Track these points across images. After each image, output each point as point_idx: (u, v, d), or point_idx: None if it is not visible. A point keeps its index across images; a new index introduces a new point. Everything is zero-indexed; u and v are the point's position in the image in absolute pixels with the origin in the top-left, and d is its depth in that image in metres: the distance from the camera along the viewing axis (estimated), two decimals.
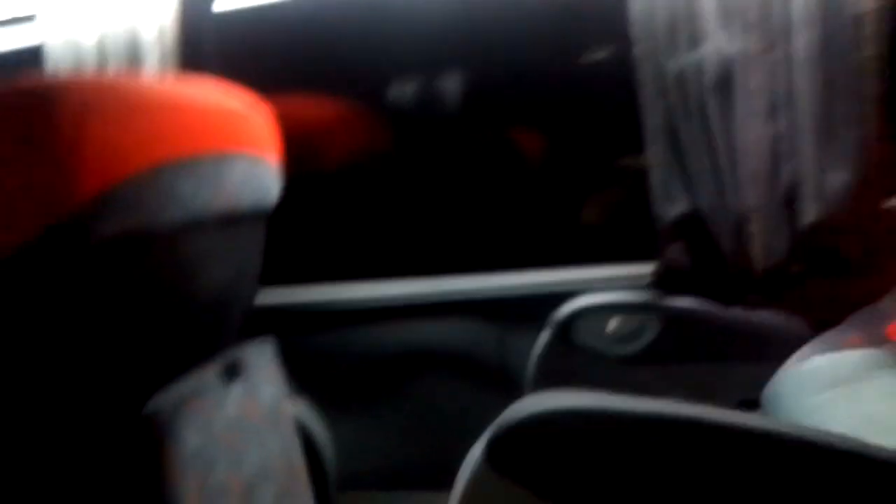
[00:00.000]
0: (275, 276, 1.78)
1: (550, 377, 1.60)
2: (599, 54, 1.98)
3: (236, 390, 1.44)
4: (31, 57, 1.89)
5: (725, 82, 1.43)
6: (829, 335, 1.36)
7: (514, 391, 1.65)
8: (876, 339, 1.26)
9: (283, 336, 1.65)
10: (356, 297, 1.86)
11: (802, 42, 1.38)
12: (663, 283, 1.55)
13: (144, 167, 1.17)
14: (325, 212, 2.15)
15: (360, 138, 2.21)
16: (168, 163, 1.23)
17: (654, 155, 1.50)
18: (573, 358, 1.60)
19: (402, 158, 2.18)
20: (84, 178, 1.07)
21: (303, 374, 1.73)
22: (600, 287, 1.64)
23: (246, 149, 1.47)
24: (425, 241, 2.09)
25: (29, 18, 1.86)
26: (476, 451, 1.29)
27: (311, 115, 2.15)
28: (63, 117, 1.05)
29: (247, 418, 1.45)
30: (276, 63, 2.13)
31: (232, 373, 1.44)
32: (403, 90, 2.21)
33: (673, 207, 1.50)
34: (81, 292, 1.16)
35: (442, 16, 2.02)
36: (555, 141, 2.10)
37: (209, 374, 1.38)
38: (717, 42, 1.41)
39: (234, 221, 1.46)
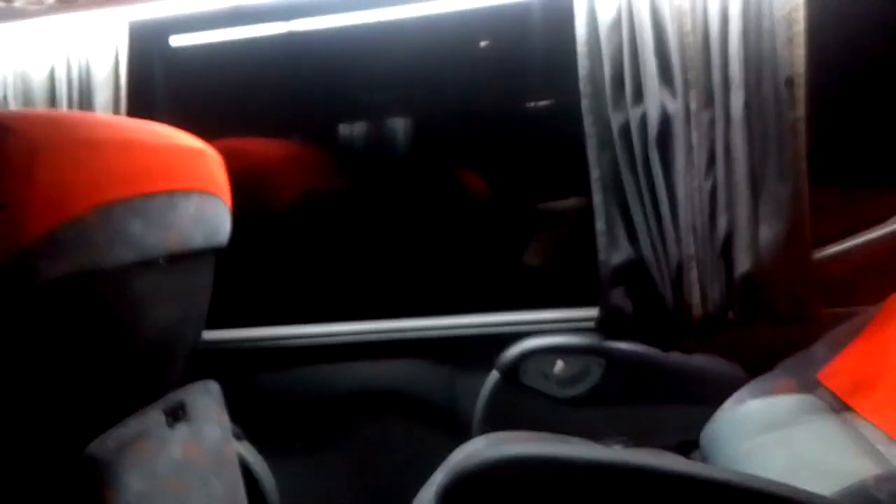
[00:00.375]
0: (221, 316, 1.76)
1: (498, 418, 1.62)
2: (543, 101, 2.06)
3: (180, 432, 1.42)
4: None
5: (666, 136, 1.50)
6: (763, 380, 1.42)
7: (462, 432, 1.67)
8: (807, 385, 1.32)
9: (227, 376, 1.63)
10: (303, 335, 1.85)
11: (737, 101, 1.46)
12: (606, 327, 1.60)
13: (93, 206, 1.16)
14: (272, 252, 2.14)
15: (309, 179, 2.22)
16: (118, 202, 1.22)
17: (598, 204, 1.56)
18: (520, 399, 1.63)
19: (353, 200, 2.20)
20: (32, 218, 1.06)
21: (248, 415, 1.71)
22: (546, 330, 1.68)
23: (197, 186, 1.47)
24: (375, 283, 2.10)
25: None
26: (426, 496, 1.30)
27: (261, 154, 2.15)
28: (12, 155, 1.04)
29: (191, 461, 1.42)
30: (225, 100, 2.13)
31: (176, 415, 1.42)
32: (353, 131, 2.24)
33: (616, 254, 1.56)
34: (24, 332, 1.13)
35: (394, 59, 2.06)
36: (500, 185, 2.15)
37: (153, 415, 1.36)
38: (659, 98, 1.49)
39: (183, 259, 1.44)
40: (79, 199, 1.13)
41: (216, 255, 1.59)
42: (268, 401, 1.84)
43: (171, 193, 1.37)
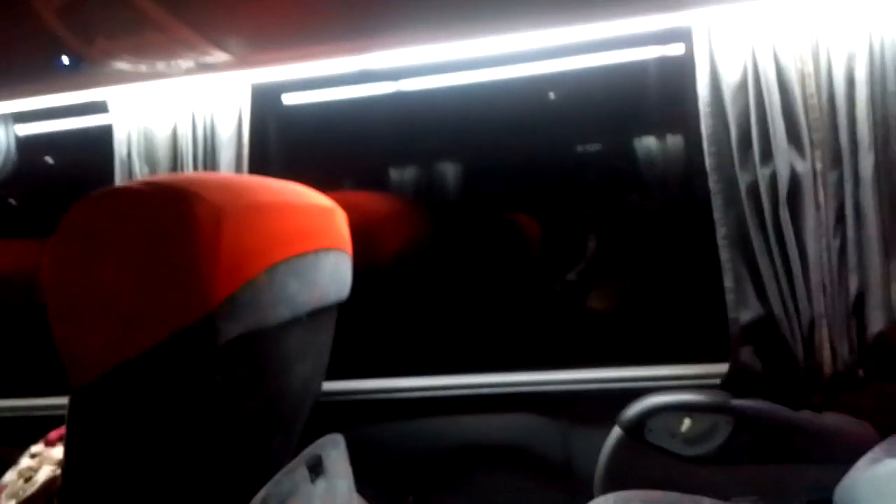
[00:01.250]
0: (335, 369, 1.78)
1: (621, 476, 1.61)
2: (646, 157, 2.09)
3: (319, 488, 1.43)
4: (98, 139, 1.92)
5: (794, 195, 1.51)
6: None
7: (580, 490, 1.66)
8: None
9: (339, 428, 1.64)
10: (413, 387, 1.87)
11: (866, 162, 1.48)
12: (735, 384, 1.59)
13: (264, 268, 1.20)
14: (384, 304, 2.17)
15: (414, 230, 2.27)
16: (281, 263, 1.25)
17: (726, 261, 1.57)
18: (644, 457, 1.62)
19: (464, 251, 2.24)
20: (218, 281, 1.09)
21: (359, 468, 1.71)
22: (668, 386, 1.68)
23: (333, 244, 1.51)
24: (487, 335, 2.11)
25: (102, 105, 1.89)
26: None
27: (369, 207, 2.20)
28: (201, 221, 1.08)
29: None
30: (331, 155, 2.19)
31: (316, 470, 1.43)
32: (459, 184, 2.29)
33: (745, 312, 1.56)
34: (199, 390, 1.15)
35: (504, 116, 2.11)
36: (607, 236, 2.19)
37: (300, 472, 1.37)
38: (787, 158, 1.51)
39: (319, 314, 1.48)
40: (253, 263, 1.17)
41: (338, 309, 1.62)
42: (378, 453, 1.84)
43: (317, 252, 1.41)
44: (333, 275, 1.51)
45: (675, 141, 2.00)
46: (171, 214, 1.06)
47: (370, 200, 2.25)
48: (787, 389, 1.57)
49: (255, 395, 1.30)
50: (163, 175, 1.79)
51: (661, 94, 1.91)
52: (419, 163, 2.23)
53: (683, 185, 1.94)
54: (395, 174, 2.25)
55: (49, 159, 2.22)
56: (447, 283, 2.32)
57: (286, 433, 1.48)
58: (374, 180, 2.24)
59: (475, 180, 2.34)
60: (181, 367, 1.11)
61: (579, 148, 2.29)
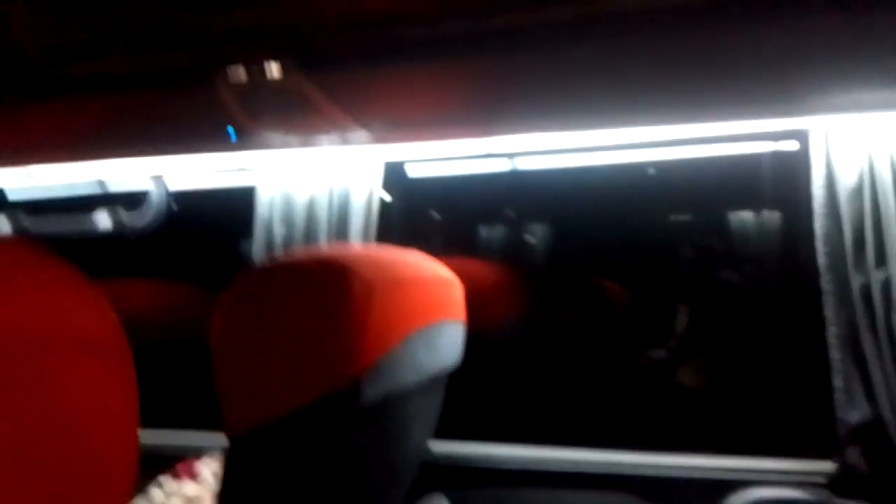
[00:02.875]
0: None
1: None
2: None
3: None
4: (241, 199, 2.12)
5: None
6: None
7: None
8: None
9: (444, 489, 1.72)
10: (515, 457, 1.92)
11: None
12: (840, 485, 1.60)
13: (401, 338, 1.32)
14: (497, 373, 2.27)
15: (518, 298, 2.37)
16: (415, 333, 1.37)
17: (836, 360, 1.60)
18: None
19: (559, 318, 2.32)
20: (365, 350, 1.21)
21: None
22: (770, 480, 1.69)
23: (453, 315, 1.63)
24: (588, 410, 2.18)
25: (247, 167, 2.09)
26: None
27: (479, 277, 2.32)
28: (356, 295, 1.21)
29: None
30: (449, 225, 2.33)
31: None
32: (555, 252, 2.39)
33: (853, 413, 1.58)
34: (336, 448, 1.27)
35: (612, 202, 2.21)
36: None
37: None
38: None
39: (436, 380, 1.59)
40: (393, 333, 1.30)
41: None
42: None
43: (441, 323, 1.53)
44: (452, 344, 1.62)
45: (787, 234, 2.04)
46: (332, 289, 1.20)
47: (482, 269, 2.37)
48: (893, 493, 1.56)
49: (381, 454, 1.41)
50: (321, 249, 1.94)
51: (774, 189, 1.97)
52: (529, 232, 2.35)
53: (792, 280, 1.97)
54: (505, 243, 2.37)
55: (194, 212, 2.45)
56: (541, 351, 2.40)
57: (398, 490, 1.58)
58: (487, 249, 2.36)
59: (576, 250, 2.45)
60: (326, 428, 1.23)
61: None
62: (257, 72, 1.31)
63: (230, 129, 1.71)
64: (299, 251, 1.83)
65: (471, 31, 1.78)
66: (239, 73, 1.33)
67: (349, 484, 1.32)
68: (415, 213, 2.24)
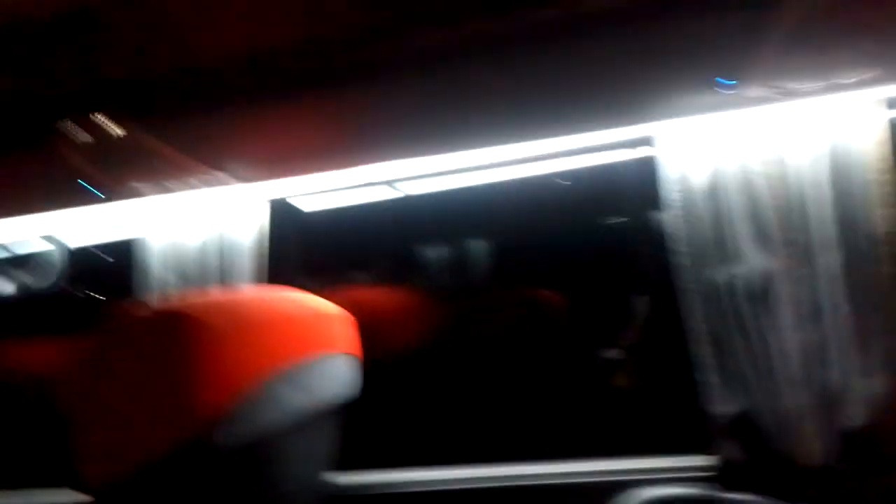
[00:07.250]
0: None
1: None
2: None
3: None
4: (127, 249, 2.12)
5: (762, 293, 1.59)
6: None
7: None
8: None
9: None
10: (415, 481, 1.90)
11: (836, 261, 1.55)
12: (722, 478, 1.63)
13: (263, 379, 1.33)
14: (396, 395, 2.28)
15: (417, 324, 2.40)
16: (278, 375, 1.38)
17: (702, 357, 1.64)
18: None
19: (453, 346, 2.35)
20: (213, 397, 1.22)
21: None
22: (655, 479, 1.71)
23: (335, 348, 1.63)
24: (475, 426, 2.20)
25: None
26: None
27: (379, 301, 2.34)
28: (199, 343, 1.22)
29: None
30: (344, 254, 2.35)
31: None
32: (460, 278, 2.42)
33: (725, 406, 1.62)
34: (200, 499, 1.27)
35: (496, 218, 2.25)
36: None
37: None
38: (758, 258, 1.59)
39: (322, 417, 1.59)
40: (251, 376, 1.30)
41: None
42: None
43: (320, 358, 1.54)
44: (336, 378, 1.63)
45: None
46: (173, 339, 1.20)
47: (385, 297, 2.39)
48: (773, 483, 1.60)
49: (260, 497, 1.41)
50: (176, 298, 1.92)
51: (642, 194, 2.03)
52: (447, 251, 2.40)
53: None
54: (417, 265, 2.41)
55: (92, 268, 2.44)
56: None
57: None
58: (397, 273, 2.40)
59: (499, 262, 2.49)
60: (190, 475, 1.23)
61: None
62: (94, 128, 1.32)
63: (83, 183, 1.71)
64: (156, 300, 1.83)
65: (335, 65, 1.83)
66: (77, 132, 1.34)
67: None
68: (313, 248, 2.25)
